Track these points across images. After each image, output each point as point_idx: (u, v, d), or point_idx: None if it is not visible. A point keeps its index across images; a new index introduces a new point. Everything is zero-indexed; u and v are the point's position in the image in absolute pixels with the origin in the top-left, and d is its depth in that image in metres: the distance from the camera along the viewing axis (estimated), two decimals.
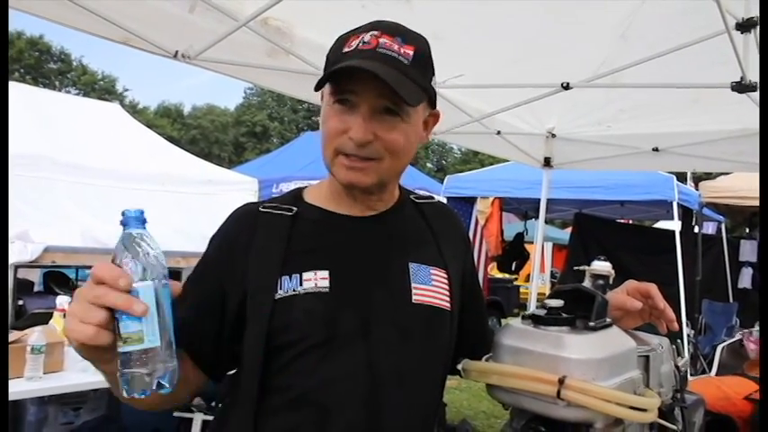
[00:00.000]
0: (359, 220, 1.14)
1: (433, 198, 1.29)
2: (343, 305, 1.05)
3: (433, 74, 1.11)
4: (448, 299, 1.14)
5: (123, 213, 0.87)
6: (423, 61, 1.06)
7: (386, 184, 1.12)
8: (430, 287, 1.12)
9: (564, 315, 1.03)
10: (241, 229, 1.12)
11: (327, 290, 1.05)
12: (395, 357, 1.06)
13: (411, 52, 1.04)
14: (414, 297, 1.10)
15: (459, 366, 1.11)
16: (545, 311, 1.04)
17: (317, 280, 1.06)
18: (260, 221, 1.11)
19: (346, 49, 1.03)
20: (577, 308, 1.05)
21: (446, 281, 1.15)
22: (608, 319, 1.06)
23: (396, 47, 1.03)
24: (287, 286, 1.05)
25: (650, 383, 1.08)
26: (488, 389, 1.08)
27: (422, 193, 1.34)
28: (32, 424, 3.41)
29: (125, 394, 0.85)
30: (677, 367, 1.18)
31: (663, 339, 1.17)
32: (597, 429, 0.97)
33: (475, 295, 1.28)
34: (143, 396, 0.85)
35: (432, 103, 1.14)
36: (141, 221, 0.87)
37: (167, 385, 0.86)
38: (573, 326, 1.03)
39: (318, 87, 1.06)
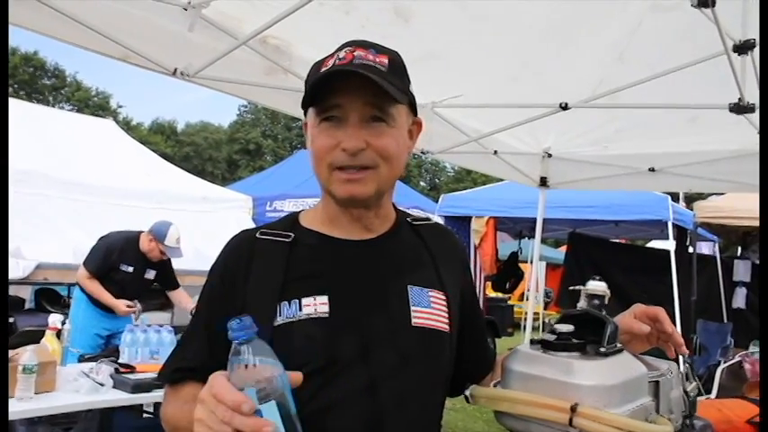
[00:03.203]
0: (357, 244, 1.14)
1: (429, 219, 1.29)
2: (342, 330, 1.05)
3: (409, 82, 1.13)
4: (447, 321, 1.13)
5: (230, 327, 0.86)
6: (398, 68, 1.09)
7: (382, 194, 1.12)
8: (429, 310, 1.11)
9: (574, 340, 1.01)
10: (239, 259, 1.11)
11: (327, 315, 1.05)
12: (395, 381, 1.06)
13: (386, 61, 1.07)
14: (413, 320, 1.09)
15: (468, 392, 1.09)
16: (554, 336, 1.03)
17: (316, 305, 1.05)
18: (257, 249, 1.11)
19: (324, 69, 1.06)
20: (586, 332, 1.03)
21: (445, 303, 1.14)
22: (618, 344, 1.04)
23: (371, 57, 1.06)
24: (286, 313, 1.05)
25: (660, 410, 1.06)
26: (497, 416, 1.06)
27: (418, 214, 1.34)
28: None
29: None
30: (686, 392, 1.17)
31: (672, 364, 1.15)
32: None
33: (474, 316, 1.27)
34: None
35: (413, 110, 1.16)
36: (250, 332, 0.86)
37: None
38: (583, 351, 1.01)
39: (305, 104, 1.08)
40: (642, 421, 0.95)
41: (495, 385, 1.07)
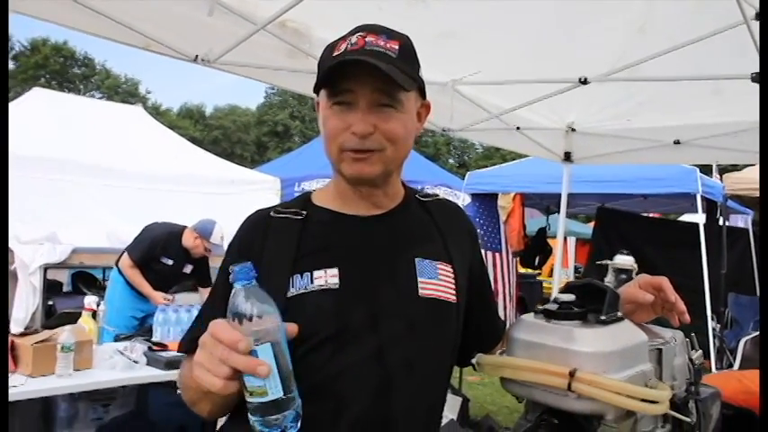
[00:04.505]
0: (366, 220, 1.19)
1: (438, 196, 1.33)
2: (352, 300, 1.10)
3: (419, 66, 1.17)
4: (454, 292, 1.18)
5: (232, 270, 0.91)
6: (408, 54, 1.13)
7: (390, 174, 1.17)
8: (436, 281, 1.16)
9: (575, 309, 1.05)
10: (254, 235, 1.17)
11: (337, 286, 1.10)
12: (403, 348, 1.11)
13: (396, 47, 1.11)
14: (420, 291, 1.14)
15: (474, 360, 1.13)
16: (557, 306, 1.06)
17: (327, 278, 1.11)
18: (271, 226, 1.17)
19: (336, 53, 1.10)
20: (589, 302, 1.07)
21: (452, 275, 1.19)
22: (619, 313, 1.07)
23: (382, 43, 1.10)
24: (299, 285, 1.10)
25: (663, 376, 1.09)
26: (502, 382, 1.10)
27: (427, 191, 1.38)
28: (63, 420, 3.49)
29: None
30: (691, 360, 1.19)
31: (676, 332, 1.18)
32: (608, 421, 0.98)
33: (483, 289, 1.32)
34: None
35: (422, 94, 1.20)
36: (250, 275, 0.91)
37: (296, 427, 0.92)
38: (584, 320, 1.04)
39: (317, 89, 1.13)
40: (640, 386, 0.98)
41: (501, 354, 1.11)
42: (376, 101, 1.09)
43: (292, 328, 0.98)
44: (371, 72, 1.05)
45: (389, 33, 1.12)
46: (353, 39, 1.10)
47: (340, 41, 1.12)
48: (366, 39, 1.09)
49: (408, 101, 1.13)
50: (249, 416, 0.91)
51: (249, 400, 0.89)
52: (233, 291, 0.91)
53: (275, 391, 0.88)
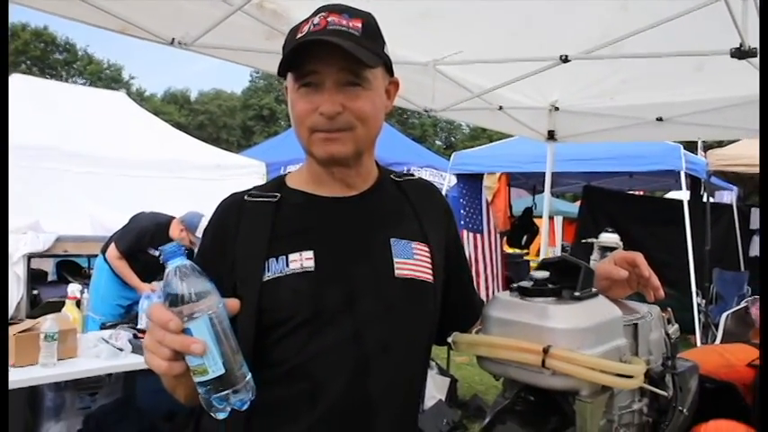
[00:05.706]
0: (340, 201, 1.18)
1: (413, 175, 1.33)
2: (327, 282, 1.10)
3: (384, 43, 1.16)
4: (430, 271, 1.18)
5: (161, 250, 0.91)
6: (372, 31, 1.13)
7: (361, 153, 1.16)
8: (412, 261, 1.16)
9: (550, 286, 1.05)
10: (229, 219, 1.17)
11: (312, 269, 1.10)
12: (380, 329, 1.11)
13: (359, 25, 1.10)
14: (396, 271, 1.14)
15: (450, 339, 1.13)
16: (532, 283, 1.06)
17: (302, 260, 1.10)
18: (245, 210, 1.16)
19: (299, 35, 1.09)
20: (564, 279, 1.07)
21: (428, 254, 1.19)
22: (593, 289, 1.07)
23: (344, 22, 1.09)
24: (274, 268, 1.10)
25: (639, 351, 1.10)
26: (479, 361, 1.10)
27: (401, 171, 1.38)
28: (51, 410, 3.48)
29: (212, 414, 0.92)
30: (668, 334, 1.20)
31: (652, 307, 1.18)
32: (584, 397, 0.99)
33: (460, 267, 1.32)
34: (225, 415, 0.91)
35: (389, 71, 1.19)
36: (179, 254, 0.90)
37: (245, 404, 0.92)
38: (559, 296, 1.04)
39: (281, 71, 1.12)
40: (614, 361, 0.99)
41: (476, 332, 1.12)
42: (342, 80, 1.08)
43: (233, 303, 0.98)
44: (335, 52, 1.04)
45: (351, 12, 1.11)
46: (316, 19, 1.09)
47: (303, 23, 1.11)
48: (328, 18, 1.08)
49: (375, 78, 1.12)
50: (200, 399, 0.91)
51: (193, 378, 0.89)
52: (165, 272, 0.90)
53: (215, 369, 0.88)
